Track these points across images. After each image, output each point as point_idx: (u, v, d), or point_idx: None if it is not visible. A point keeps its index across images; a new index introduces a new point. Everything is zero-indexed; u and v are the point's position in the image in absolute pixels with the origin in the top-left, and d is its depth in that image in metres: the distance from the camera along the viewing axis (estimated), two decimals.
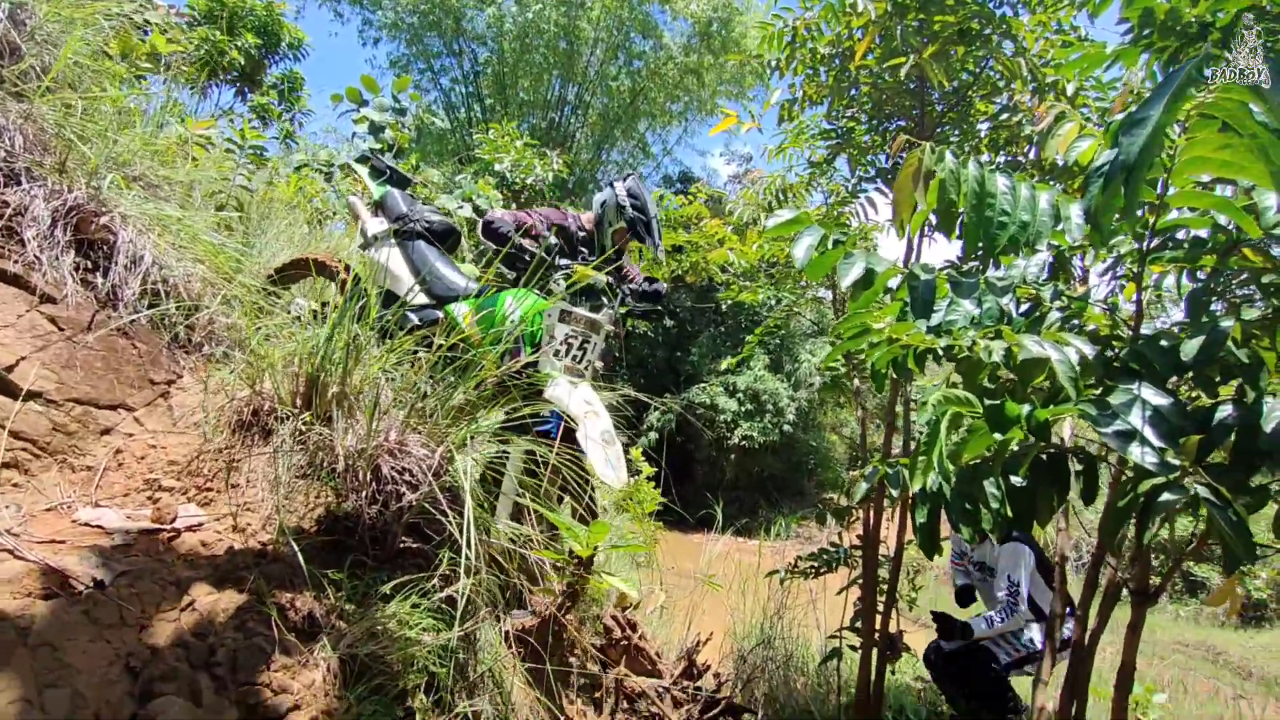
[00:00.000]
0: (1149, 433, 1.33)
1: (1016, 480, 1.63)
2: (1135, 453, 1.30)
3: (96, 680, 1.12)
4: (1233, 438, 1.40)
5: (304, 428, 1.76)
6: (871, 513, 3.44)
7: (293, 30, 9.96)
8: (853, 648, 3.59)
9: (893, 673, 3.64)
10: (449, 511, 1.59)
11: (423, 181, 8.51)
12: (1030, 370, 1.47)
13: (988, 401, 1.45)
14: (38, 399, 1.68)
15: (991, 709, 3.35)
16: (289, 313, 2.42)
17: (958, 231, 1.66)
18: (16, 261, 1.89)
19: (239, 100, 10.51)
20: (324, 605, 1.43)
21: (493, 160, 9.38)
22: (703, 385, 15.95)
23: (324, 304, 2.09)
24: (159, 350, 2.06)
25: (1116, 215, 1.29)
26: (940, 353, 1.60)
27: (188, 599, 1.30)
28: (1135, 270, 1.72)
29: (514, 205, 9.28)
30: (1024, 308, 1.93)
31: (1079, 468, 1.72)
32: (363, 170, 3.62)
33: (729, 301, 4.07)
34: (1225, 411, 1.44)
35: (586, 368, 2.57)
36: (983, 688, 3.38)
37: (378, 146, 8.33)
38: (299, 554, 1.43)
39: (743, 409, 15.51)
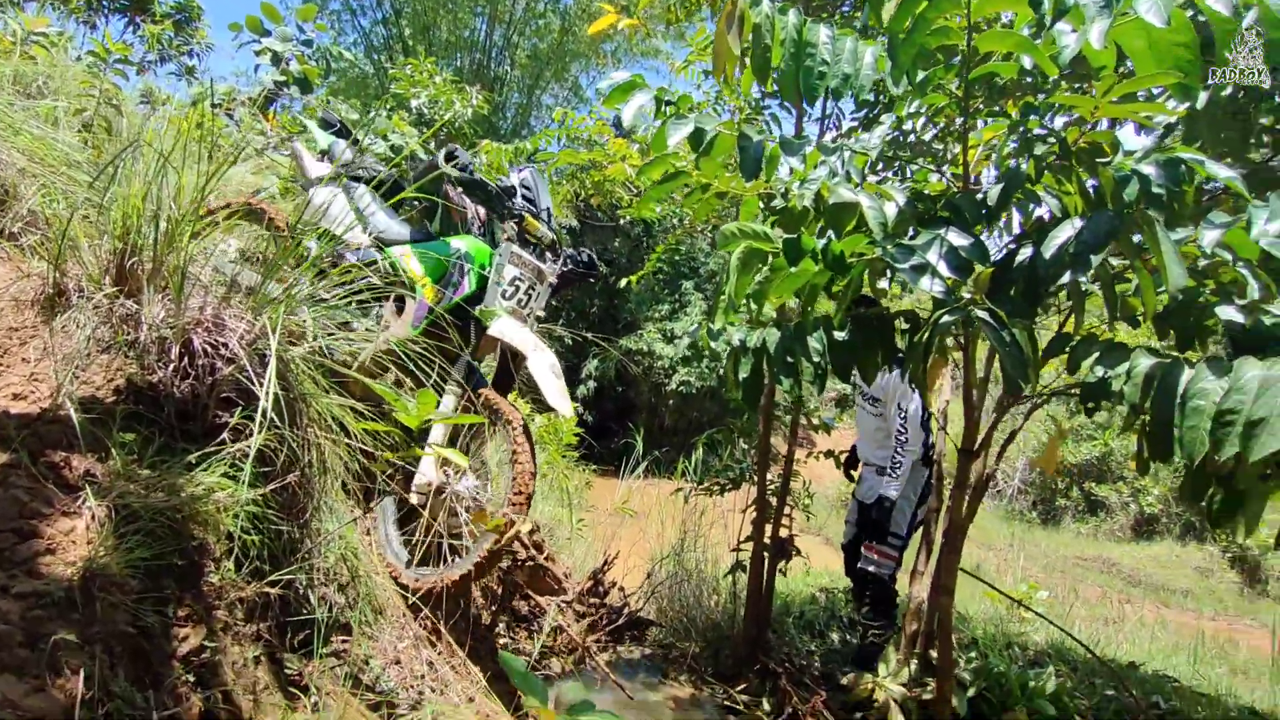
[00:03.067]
0: (942, 266, 1.35)
1: (840, 336, 1.65)
2: (925, 284, 1.32)
3: None
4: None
5: (107, 301, 1.65)
6: (762, 423, 3.51)
7: None
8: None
9: (783, 574, 3.75)
10: (257, 379, 1.53)
11: None
12: (840, 215, 1.47)
13: (784, 235, 1.45)
14: None
15: (880, 615, 3.50)
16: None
17: (772, 82, 1.64)
18: None
19: (130, 31, 9.76)
20: (107, 468, 1.35)
21: (409, 96, 8.98)
22: (640, 333, 15.91)
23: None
24: None
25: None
26: (762, 204, 1.59)
27: None
28: (960, 130, 1.73)
29: (432, 143, 8.95)
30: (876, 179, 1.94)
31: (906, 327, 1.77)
32: (311, 122, 3.75)
33: (627, 219, 4.03)
34: (1027, 252, 1.48)
35: (530, 314, 2.66)
36: (874, 601, 3.53)
37: (282, 79, 7.87)
38: (73, 415, 1.34)
39: (679, 355, 15.58)
